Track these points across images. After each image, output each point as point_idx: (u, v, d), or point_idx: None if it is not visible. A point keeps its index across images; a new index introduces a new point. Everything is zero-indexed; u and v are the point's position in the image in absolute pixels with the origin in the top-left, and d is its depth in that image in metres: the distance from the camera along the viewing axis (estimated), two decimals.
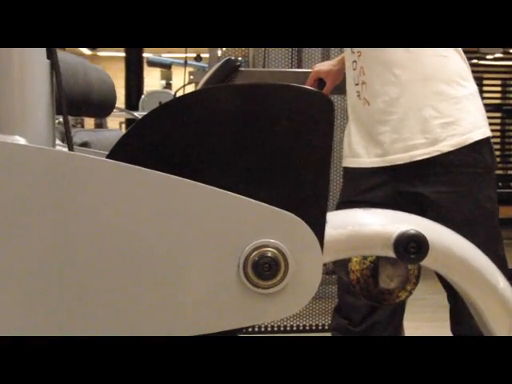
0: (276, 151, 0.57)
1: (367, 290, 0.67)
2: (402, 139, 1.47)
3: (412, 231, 0.61)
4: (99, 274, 0.55)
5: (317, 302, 2.99)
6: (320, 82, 1.84)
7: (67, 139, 0.59)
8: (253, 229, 0.56)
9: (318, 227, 0.57)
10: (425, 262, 0.62)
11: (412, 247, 0.61)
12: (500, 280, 0.67)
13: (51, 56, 0.59)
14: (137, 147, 0.56)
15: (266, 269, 0.56)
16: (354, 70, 1.57)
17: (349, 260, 0.68)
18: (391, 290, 0.67)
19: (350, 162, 1.63)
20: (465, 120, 1.45)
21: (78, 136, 1.25)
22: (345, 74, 1.67)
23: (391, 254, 0.62)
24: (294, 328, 3.01)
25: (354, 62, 1.56)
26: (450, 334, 1.55)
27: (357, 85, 1.56)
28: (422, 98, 1.45)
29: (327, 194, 0.58)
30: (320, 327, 3.01)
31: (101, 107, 1.29)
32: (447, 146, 1.44)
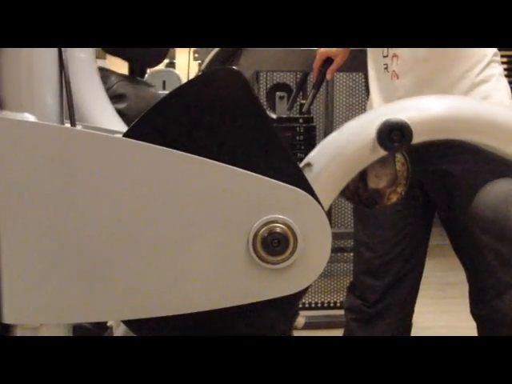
0: (229, 129, 0.58)
1: (357, 193, 0.66)
2: None
3: (389, 121, 0.60)
4: (109, 252, 0.55)
5: (323, 280, 3.00)
6: (326, 60, 1.82)
7: (70, 116, 0.59)
8: (262, 205, 0.57)
9: (299, 180, 0.58)
10: (420, 138, 0.61)
11: (395, 135, 0.60)
12: None
13: None
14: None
15: (275, 244, 0.56)
16: None
17: None
18: (381, 190, 0.66)
19: None
20: (494, 97, 1.45)
21: (116, 86, 1.23)
22: (352, 50, 1.64)
23: (383, 152, 0.61)
24: (300, 305, 3.02)
25: None
26: (458, 311, 1.56)
27: (385, 57, 1.52)
28: (453, 76, 1.45)
29: (284, 147, 0.58)
30: (326, 305, 3.03)
31: (154, 56, 1.29)
32: None
